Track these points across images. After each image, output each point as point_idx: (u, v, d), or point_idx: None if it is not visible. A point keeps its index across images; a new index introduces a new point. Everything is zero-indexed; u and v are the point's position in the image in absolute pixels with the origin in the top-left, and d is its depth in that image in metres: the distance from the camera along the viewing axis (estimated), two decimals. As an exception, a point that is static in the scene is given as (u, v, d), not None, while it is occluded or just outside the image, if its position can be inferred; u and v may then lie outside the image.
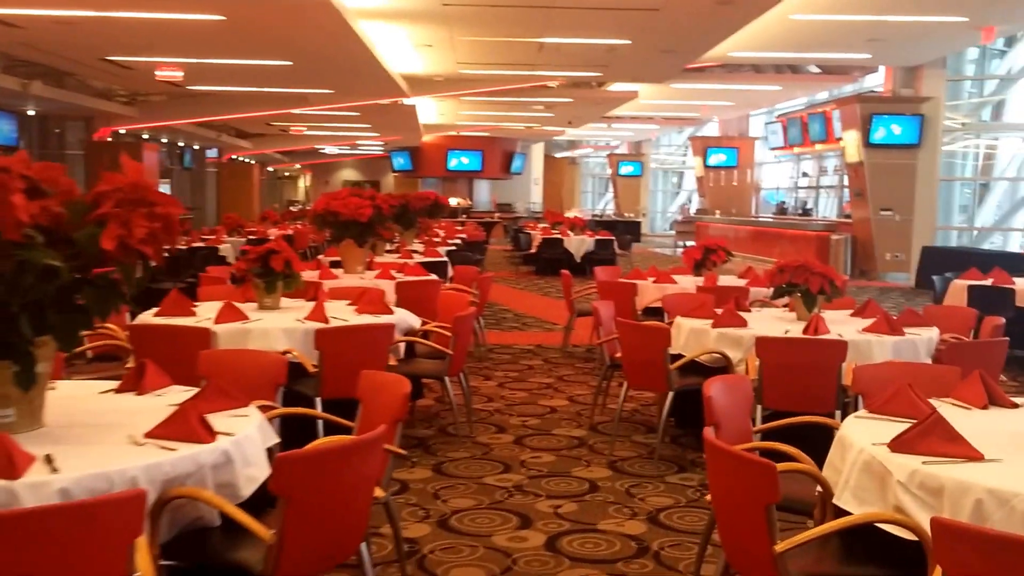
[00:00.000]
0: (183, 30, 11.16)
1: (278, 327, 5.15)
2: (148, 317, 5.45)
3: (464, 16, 11.64)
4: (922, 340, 5.02)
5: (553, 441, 5.70)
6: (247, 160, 31.23)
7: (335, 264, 8.40)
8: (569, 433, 5.89)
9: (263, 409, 3.63)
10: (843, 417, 4.62)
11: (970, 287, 8.20)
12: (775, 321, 5.51)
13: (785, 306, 6.06)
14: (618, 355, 5.50)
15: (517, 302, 13.20)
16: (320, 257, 9.90)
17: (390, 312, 5.66)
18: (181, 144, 25.92)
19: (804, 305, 5.36)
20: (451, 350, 5.47)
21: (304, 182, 40.45)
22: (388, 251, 10.83)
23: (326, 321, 5.25)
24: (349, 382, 4.91)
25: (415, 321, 5.95)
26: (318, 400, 4.80)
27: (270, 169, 38.33)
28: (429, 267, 9.56)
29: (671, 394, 5.14)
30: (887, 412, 2.99)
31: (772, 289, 5.59)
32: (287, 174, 40.77)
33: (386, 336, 5.04)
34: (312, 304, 5.52)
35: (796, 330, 5.08)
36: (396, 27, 12.39)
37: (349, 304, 6.05)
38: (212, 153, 28.89)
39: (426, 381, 6.79)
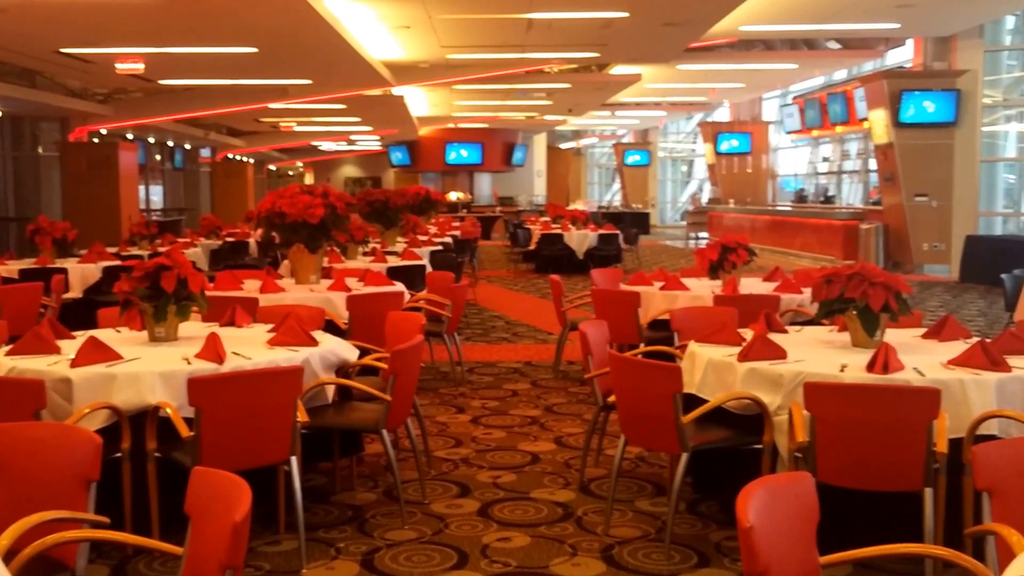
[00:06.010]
0: (122, 9, 9.87)
1: (155, 370, 3.81)
2: (-3, 358, 4.13)
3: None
4: (1033, 376, 3.63)
5: (530, 511, 4.31)
6: (241, 159, 29.97)
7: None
8: (552, 497, 4.50)
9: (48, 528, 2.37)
10: (935, 494, 3.26)
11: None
12: (822, 349, 4.13)
13: (832, 323, 4.69)
14: (613, 398, 4.13)
15: (510, 307, 11.84)
16: (287, 262, 8.51)
17: (312, 343, 4.31)
18: (171, 144, 24.68)
19: (864, 328, 3.98)
20: (388, 395, 4.08)
21: (309, 180, 39.28)
22: (364, 253, 9.58)
23: (220, 360, 3.91)
24: (239, 449, 3.65)
25: (350, 353, 4.61)
26: (193, 478, 3.47)
27: (272, 168, 37.20)
28: (404, 272, 8.28)
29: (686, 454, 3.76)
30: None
31: (816, 305, 4.22)
32: (290, 172, 39.67)
33: (289, 384, 3.68)
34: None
35: (855, 363, 3.70)
36: (363, 5, 11.01)
37: (271, 330, 4.72)
38: (206, 153, 27.66)
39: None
